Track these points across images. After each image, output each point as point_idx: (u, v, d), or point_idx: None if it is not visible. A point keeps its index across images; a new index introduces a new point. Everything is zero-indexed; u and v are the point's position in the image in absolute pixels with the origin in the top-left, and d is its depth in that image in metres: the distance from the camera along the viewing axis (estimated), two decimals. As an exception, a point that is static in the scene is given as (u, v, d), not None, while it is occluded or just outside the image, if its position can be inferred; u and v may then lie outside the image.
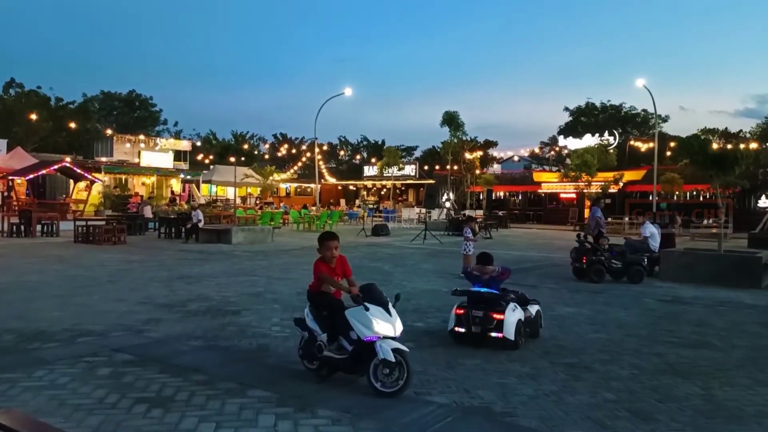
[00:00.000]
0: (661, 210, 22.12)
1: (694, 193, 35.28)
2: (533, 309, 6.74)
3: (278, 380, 4.99)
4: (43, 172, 26.39)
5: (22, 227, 19.61)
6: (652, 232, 13.40)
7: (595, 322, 7.81)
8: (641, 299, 9.80)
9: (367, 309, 4.69)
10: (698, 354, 6.25)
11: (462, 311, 6.36)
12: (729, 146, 27.27)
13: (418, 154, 63.79)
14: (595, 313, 8.48)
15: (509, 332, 6.10)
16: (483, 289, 6.47)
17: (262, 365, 5.48)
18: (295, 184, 53.07)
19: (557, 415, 4.37)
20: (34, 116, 37.27)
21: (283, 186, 49.94)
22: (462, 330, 6.32)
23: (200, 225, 19.55)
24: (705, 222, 27.84)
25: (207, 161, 44.70)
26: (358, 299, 4.77)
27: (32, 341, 6.09)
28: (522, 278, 11.96)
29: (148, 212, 24.03)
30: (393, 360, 4.52)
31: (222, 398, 4.48)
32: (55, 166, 26.14)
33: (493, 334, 6.13)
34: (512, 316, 6.18)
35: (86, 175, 26.49)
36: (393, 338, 4.71)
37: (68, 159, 30.18)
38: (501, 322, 6.11)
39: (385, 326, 4.68)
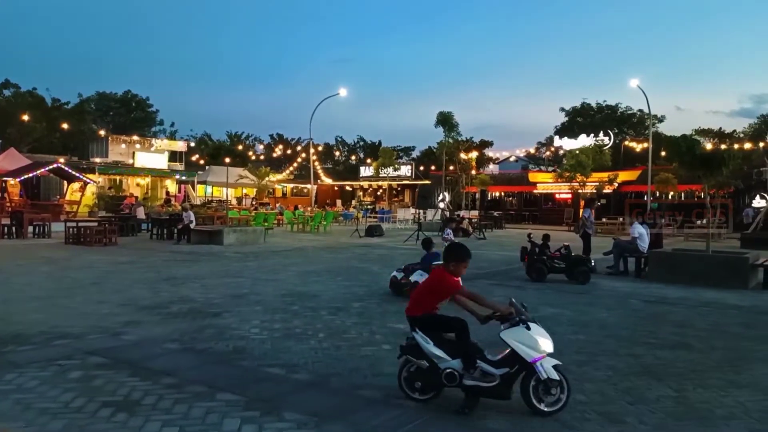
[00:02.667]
0: (652, 210, 22.15)
1: (688, 193, 35.30)
2: None
3: (249, 384, 4.96)
4: (36, 173, 26.38)
5: (14, 228, 19.54)
6: (640, 232, 13.41)
7: (576, 323, 7.79)
8: (626, 300, 9.79)
9: (528, 328, 4.45)
10: (675, 355, 6.24)
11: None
12: (723, 146, 27.31)
13: (415, 154, 63.90)
14: (577, 314, 8.47)
15: None
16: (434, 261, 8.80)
17: (236, 368, 5.45)
18: (291, 185, 53.04)
19: (526, 417, 4.35)
20: (26, 117, 37.18)
21: (279, 187, 49.89)
22: None
23: (192, 226, 19.49)
24: (699, 222, 27.81)
25: (202, 162, 44.71)
26: (517, 318, 4.50)
27: (7, 344, 6.04)
28: (508, 279, 11.98)
29: (140, 213, 23.94)
30: (558, 378, 4.39)
31: (189, 402, 4.45)
32: (48, 167, 26.10)
33: None
34: None
35: (79, 176, 26.47)
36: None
37: (62, 160, 30.18)
38: None
39: (547, 343, 4.47)
